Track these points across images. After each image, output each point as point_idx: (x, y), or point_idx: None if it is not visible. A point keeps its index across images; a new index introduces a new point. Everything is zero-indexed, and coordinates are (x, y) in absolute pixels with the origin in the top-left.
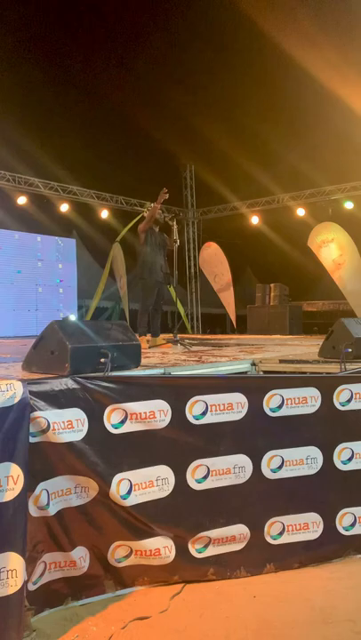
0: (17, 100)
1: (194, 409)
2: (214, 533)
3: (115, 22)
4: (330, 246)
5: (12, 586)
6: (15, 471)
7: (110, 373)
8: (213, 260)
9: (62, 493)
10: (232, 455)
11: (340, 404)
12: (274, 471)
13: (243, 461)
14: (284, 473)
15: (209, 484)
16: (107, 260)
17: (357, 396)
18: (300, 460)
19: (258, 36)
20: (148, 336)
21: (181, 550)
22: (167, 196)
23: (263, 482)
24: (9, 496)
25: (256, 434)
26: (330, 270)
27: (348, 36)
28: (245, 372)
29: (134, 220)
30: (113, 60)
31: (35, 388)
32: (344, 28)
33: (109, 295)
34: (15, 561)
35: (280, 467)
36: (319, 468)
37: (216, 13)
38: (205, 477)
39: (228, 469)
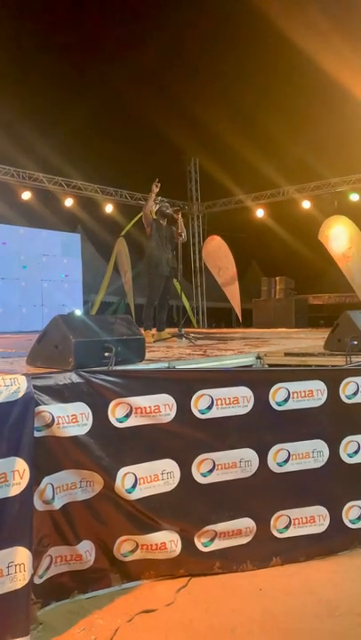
0: (21, 95)
1: (199, 403)
2: (220, 527)
3: (119, 14)
4: (340, 239)
5: (21, 580)
6: (21, 466)
7: (114, 367)
8: (218, 254)
9: (67, 487)
10: (238, 449)
11: (346, 396)
12: (280, 465)
13: (249, 455)
14: (291, 467)
15: (215, 477)
16: (110, 252)
17: None
18: (307, 454)
19: (264, 26)
20: (154, 330)
21: (187, 544)
22: (158, 186)
23: (269, 476)
24: (15, 490)
25: (262, 428)
26: (340, 263)
27: (356, 25)
28: (250, 366)
29: (139, 215)
30: (118, 54)
31: (39, 382)
32: (352, 17)
33: (115, 290)
34: (23, 555)
35: (286, 460)
36: (325, 462)
37: (222, 4)
38: (211, 471)
39: (235, 463)
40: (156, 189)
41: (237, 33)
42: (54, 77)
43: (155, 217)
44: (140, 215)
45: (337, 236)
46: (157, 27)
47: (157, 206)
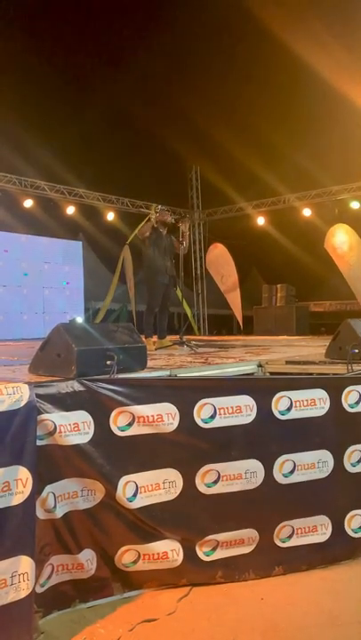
0: (23, 103)
1: (202, 412)
2: (222, 537)
3: (121, 22)
4: (343, 247)
5: (24, 589)
6: (24, 474)
7: (116, 376)
8: (220, 261)
9: (69, 496)
10: (243, 460)
11: (348, 405)
12: (286, 476)
13: (254, 466)
14: (296, 477)
15: (219, 488)
16: (113, 261)
17: None
18: (312, 464)
19: (264, 35)
20: (155, 338)
21: (189, 553)
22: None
23: (275, 487)
24: (18, 499)
25: (267, 438)
26: (343, 271)
27: (356, 35)
28: (252, 374)
29: (143, 223)
30: (119, 62)
31: (41, 390)
32: (353, 28)
33: (116, 297)
34: (26, 564)
35: (292, 471)
36: (330, 472)
37: (223, 13)
38: (216, 482)
39: (240, 474)
40: (152, 215)
41: (239, 43)
42: (56, 86)
43: (155, 225)
44: (143, 223)
45: (341, 244)
46: (159, 36)
47: (158, 214)
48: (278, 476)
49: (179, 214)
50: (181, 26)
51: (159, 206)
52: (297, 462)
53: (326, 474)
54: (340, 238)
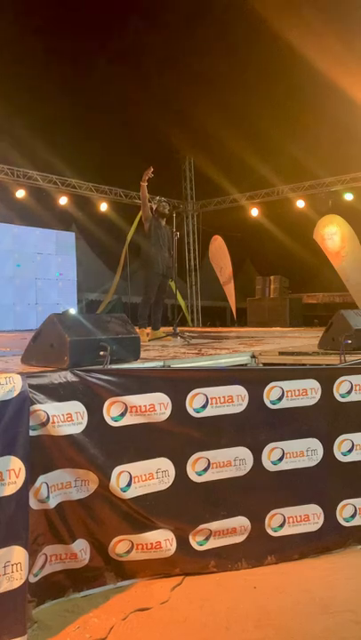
0: (15, 94)
1: (194, 402)
2: (215, 526)
3: (112, 11)
4: (334, 238)
5: (17, 579)
6: (16, 464)
7: (110, 366)
8: (219, 254)
9: (62, 486)
10: (233, 448)
11: (340, 395)
12: (275, 463)
13: (243, 454)
14: (285, 465)
15: (209, 476)
16: (106, 252)
17: (357, 387)
18: (301, 452)
19: (259, 25)
20: (149, 329)
21: (182, 543)
22: (152, 175)
23: (264, 474)
24: (11, 490)
25: (257, 426)
26: (334, 262)
27: (350, 25)
28: (245, 365)
29: (138, 216)
30: (113, 52)
31: (34, 381)
32: (346, 17)
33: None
34: (19, 554)
35: (281, 459)
36: (320, 460)
37: (218, 3)
38: (206, 470)
39: (229, 462)
40: (146, 177)
41: (233, 34)
42: (50, 77)
43: (154, 216)
44: (139, 216)
45: (331, 235)
46: (154, 27)
47: (155, 206)
48: (267, 463)
49: (172, 205)
50: (176, 16)
51: (157, 197)
52: (286, 450)
53: (316, 462)
54: (329, 229)
